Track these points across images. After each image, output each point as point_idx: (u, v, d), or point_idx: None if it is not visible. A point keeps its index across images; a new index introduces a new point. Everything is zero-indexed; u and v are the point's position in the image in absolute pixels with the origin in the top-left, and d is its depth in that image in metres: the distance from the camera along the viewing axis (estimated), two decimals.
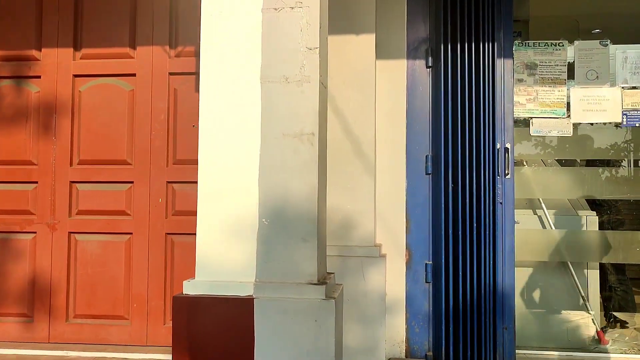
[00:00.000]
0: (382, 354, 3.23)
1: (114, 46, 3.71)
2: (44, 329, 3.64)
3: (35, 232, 3.70)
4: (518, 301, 3.41)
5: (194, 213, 2.36)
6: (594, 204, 4.26)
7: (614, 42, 3.65)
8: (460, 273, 3.27)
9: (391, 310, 3.38)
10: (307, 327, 2.15)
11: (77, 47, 3.74)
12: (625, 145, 4.36)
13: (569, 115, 3.60)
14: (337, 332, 2.21)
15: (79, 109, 3.72)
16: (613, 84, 3.61)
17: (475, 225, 3.29)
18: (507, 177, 3.40)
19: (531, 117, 3.62)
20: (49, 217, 3.69)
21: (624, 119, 3.59)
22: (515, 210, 3.43)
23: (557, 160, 4.31)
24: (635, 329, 4.21)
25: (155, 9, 3.68)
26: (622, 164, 4.42)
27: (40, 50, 3.75)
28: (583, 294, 4.06)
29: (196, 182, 2.34)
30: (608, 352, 3.80)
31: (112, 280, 3.62)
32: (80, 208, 3.69)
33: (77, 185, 3.70)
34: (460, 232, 3.29)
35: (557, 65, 3.63)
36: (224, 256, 2.27)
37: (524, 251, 3.75)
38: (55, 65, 3.73)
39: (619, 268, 4.28)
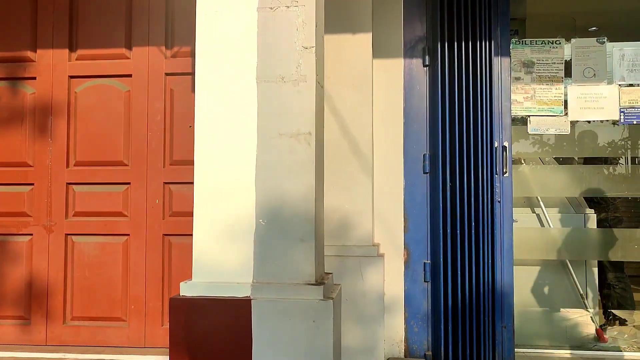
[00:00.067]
0: (381, 354, 3.22)
1: (110, 47, 3.69)
2: (41, 332, 3.63)
3: (31, 234, 3.68)
4: (517, 299, 3.40)
5: (191, 214, 2.34)
6: (592, 202, 4.26)
7: (611, 40, 3.64)
8: (459, 272, 3.27)
9: (390, 310, 3.38)
10: (305, 327, 2.14)
11: (72, 48, 3.72)
12: (623, 142, 4.36)
13: (567, 113, 3.60)
14: (335, 333, 2.20)
15: (74, 110, 3.70)
16: (610, 82, 3.61)
17: (473, 224, 3.29)
18: (505, 175, 3.39)
19: (529, 115, 3.62)
20: (46, 219, 3.67)
21: (622, 117, 3.58)
22: (513, 208, 3.42)
23: (555, 158, 4.31)
24: (634, 326, 4.21)
25: (151, 9, 3.67)
26: (619, 161, 4.42)
27: (36, 51, 3.73)
28: (582, 292, 4.06)
29: (193, 183, 2.33)
30: (607, 350, 3.80)
31: (109, 282, 3.61)
32: (76, 210, 3.68)
33: (74, 186, 3.68)
34: (458, 231, 3.29)
35: (554, 63, 3.62)
36: (221, 257, 2.26)
37: (523, 250, 3.74)
38: (51, 66, 3.71)
39: (618, 266, 4.27)
